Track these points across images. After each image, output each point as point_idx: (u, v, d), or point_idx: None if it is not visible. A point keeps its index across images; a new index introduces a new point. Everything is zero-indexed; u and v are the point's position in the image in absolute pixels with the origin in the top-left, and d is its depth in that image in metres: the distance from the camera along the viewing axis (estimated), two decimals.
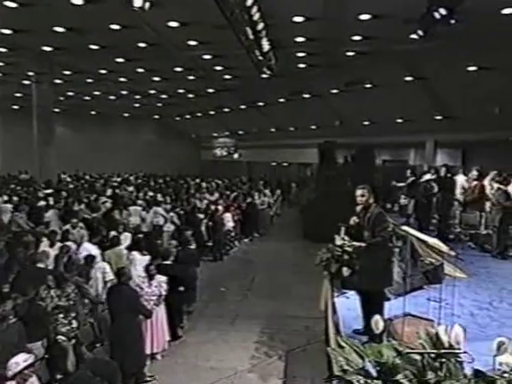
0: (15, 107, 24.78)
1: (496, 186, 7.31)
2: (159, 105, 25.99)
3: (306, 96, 18.65)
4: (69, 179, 20.11)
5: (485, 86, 12.50)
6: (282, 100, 20.39)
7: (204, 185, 17.92)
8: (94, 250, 6.99)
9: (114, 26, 10.96)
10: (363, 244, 4.53)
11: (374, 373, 2.46)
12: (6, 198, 11.81)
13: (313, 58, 14.40)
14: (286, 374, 5.38)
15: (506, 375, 2.18)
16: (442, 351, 2.33)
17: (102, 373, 4.19)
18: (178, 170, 27.07)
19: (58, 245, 7.08)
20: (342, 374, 2.50)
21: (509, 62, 10.84)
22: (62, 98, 21.91)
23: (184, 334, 6.47)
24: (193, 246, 7.94)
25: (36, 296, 5.10)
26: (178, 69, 16.27)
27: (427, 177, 9.48)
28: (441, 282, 5.56)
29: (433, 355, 2.32)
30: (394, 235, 5.75)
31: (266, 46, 10.52)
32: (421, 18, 8.84)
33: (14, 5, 9.48)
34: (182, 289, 6.27)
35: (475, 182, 8.07)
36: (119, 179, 20.85)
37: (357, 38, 12.04)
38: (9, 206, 10.49)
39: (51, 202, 11.41)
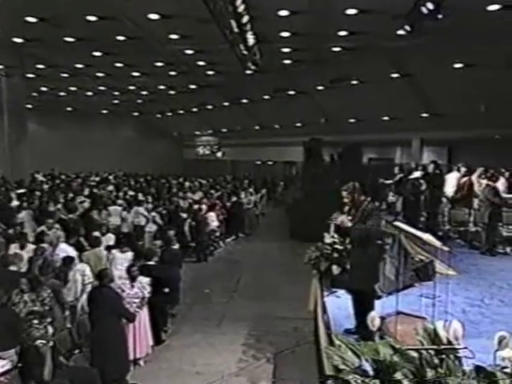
0: None
1: (484, 182, 7.44)
2: (139, 101, 25.66)
3: (291, 93, 18.69)
4: (43, 178, 19.61)
5: (471, 83, 12.75)
6: (266, 97, 20.38)
7: (187, 184, 17.76)
8: (71, 252, 6.82)
9: (91, 18, 10.69)
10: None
11: (370, 371, 2.42)
12: None
13: (298, 54, 14.43)
14: (274, 376, 5.34)
15: (507, 370, 2.18)
16: (442, 347, 2.31)
17: (81, 381, 4.05)
18: (159, 170, 26.78)
19: (31, 247, 6.88)
20: (339, 373, 2.46)
21: (494, 60, 11.07)
22: (35, 94, 21.37)
23: (168, 338, 6.36)
24: (176, 246, 7.82)
25: (8, 301, 4.92)
26: (159, 64, 16.05)
27: (416, 174, 9.58)
28: (431, 280, 5.61)
29: (432, 352, 2.30)
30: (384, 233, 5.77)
31: (250, 39, 10.47)
32: (408, 13, 8.96)
33: None
34: (167, 290, 6.16)
35: (464, 179, 8.20)
36: (97, 178, 20.47)
37: (343, 33, 12.10)
38: None
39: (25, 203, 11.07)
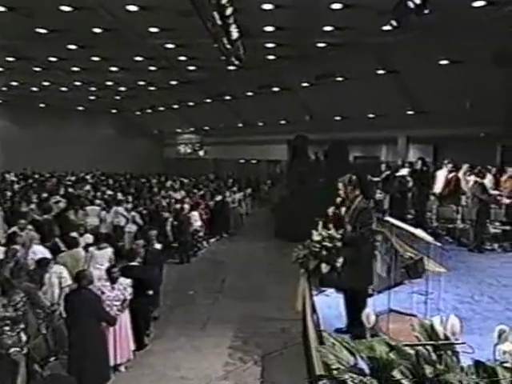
0: None
1: (472, 179, 7.56)
2: (117, 98, 25.24)
3: (275, 89, 18.67)
4: (14, 178, 19.13)
5: (456, 80, 12.97)
6: (250, 94, 20.33)
7: (169, 183, 17.60)
8: (47, 254, 6.62)
9: (65, 8, 10.37)
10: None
11: (366, 369, 2.39)
12: None
13: (282, 49, 14.42)
14: (262, 379, 5.28)
15: (507, 365, 2.17)
16: (441, 342, 2.30)
17: None
18: (139, 169, 26.46)
19: (1, 249, 6.66)
20: (331, 372, 2.41)
21: (480, 57, 11.28)
22: (4, 88, 20.75)
23: (150, 342, 6.24)
24: (158, 246, 7.70)
25: None
26: (139, 58, 15.78)
27: (403, 172, 9.70)
28: (421, 277, 5.66)
29: (430, 348, 2.28)
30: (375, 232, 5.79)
31: (234, 33, 10.36)
32: (395, 8, 9.04)
33: None
34: (150, 292, 6.05)
35: (451, 175, 8.34)
36: (73, 178, 20.08)
37: (328, 28, 12.15)
38: None
39: None
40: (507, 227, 7.59)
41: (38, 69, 17.16)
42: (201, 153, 31.23)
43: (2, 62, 15.78)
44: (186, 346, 6.15)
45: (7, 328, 4.50)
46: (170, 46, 14.03)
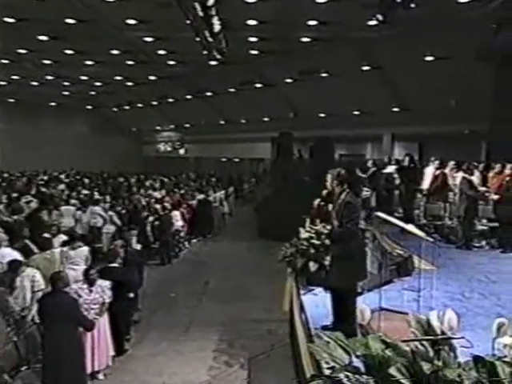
0: None
1: (460, 175, 7.67)
2: (93, 93, 24.83)
3: (258, 86, 18.66)
4: None
5: (442, 77, 13.18)
6: (232, 90, 20.26)
7: (148, 182, 17.40)
8: (17, 257, 6.39)
9: None
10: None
11: (362, 368, 2.35)
12: None
13: (265, 44, 14.42)
14: (249, 383, 5.23)
15: (506, 359, 2.17)
16: (439, 337, 2.28)
17: None
18: (116, 168, 26.04)
19: None
20: (328, 371, 2.37)
21: (465, 53, 11.48)
22: None
23: (131, 347, 6.12)
24: (138, 247, 7.57)
25: None
26: (115, 52, 15.53)
27: (389, 169, 9.78)
28: (410, 275, 5.70)
29: (427, 344, 2.26)
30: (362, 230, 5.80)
31: (216, 25, 10.31)
32: (380, 1, 9.13)
33: None
34: (131, 295, 5.92)
35: (437, 172, 8.45)
36: (46, 177, 19.63)
37: (313, 22, 12.21)
38: None
39: None
40: (495, 224, 7.73)
41: (5, 61, 16.70)
42: (181, 151, 31.01)
43: None
44: (168, 350, 6.06)
45: None
46: (148, 38, 13.85)
